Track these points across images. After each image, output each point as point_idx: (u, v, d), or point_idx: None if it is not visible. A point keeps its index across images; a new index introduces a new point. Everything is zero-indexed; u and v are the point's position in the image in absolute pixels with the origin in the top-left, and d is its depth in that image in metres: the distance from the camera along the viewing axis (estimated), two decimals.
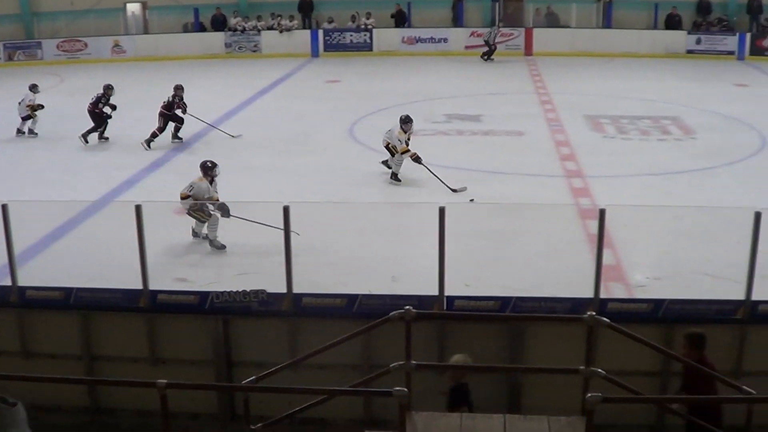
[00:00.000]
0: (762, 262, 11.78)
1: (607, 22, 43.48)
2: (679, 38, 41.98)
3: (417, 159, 19.39)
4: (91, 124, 24.15)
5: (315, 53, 41.92)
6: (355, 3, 42.63)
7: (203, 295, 12.34)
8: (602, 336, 10.88)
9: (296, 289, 12.12)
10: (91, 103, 24.17)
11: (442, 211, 11.34)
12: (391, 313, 9.44)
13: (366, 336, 11.33)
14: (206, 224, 15.65)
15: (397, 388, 8.06)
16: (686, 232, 15.81)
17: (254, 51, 42.01)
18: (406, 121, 19.82)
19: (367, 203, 15.75)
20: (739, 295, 11.92)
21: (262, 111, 26.40)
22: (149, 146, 23.60)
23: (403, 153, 19.44)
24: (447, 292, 11.78)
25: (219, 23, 42.67)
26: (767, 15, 42.82)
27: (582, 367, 9.44)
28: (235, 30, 42.14)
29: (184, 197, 15.54)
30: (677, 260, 15.08)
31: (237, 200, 15.77)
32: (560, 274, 13.96)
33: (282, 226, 11.97)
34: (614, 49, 40.73)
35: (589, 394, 8.02)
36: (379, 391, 9.27)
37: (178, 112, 24.03)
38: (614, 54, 40.40)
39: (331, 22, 42.48)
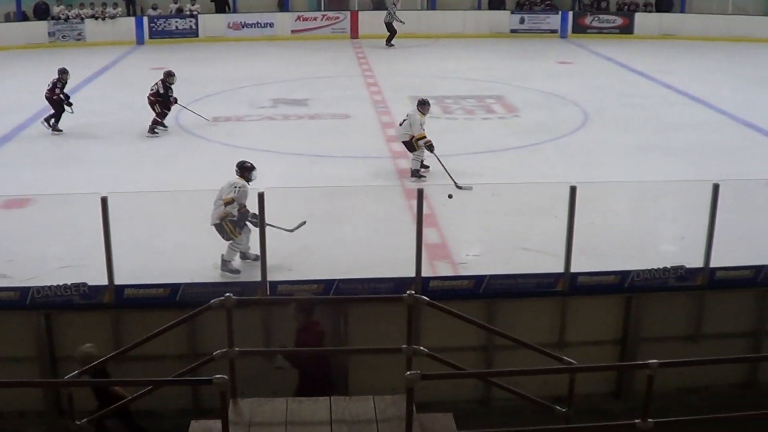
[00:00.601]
0: (579, 234, 12.09)
1: (431, 4, 43.86)
2: (503, 18, 42.80)
3: (430, 147, 18.38)
4: (52, 111, 23.41)
5: (140, 41, 41.04)
6: None
7: (24, 291, 12.00)
8: (424, 314, 11.02)
9: (118, 281, 11.90)
10: (48, 90, 23.27)
11: (261, 196, 11.28)
12: (211, 301, 9.35)
13: (190, 325, 11.23)
14: (231, 242, 13.83)
15: (218, 376, 7.98)
16: (508, 208, 16.10)
17: (78, 40, 40.92)
18: (423, 103, 18.97)
19: (191, 191, 15.54)
20: (559, 268, 12.19)
21: (88, 101, 25.81)
22: (156, 132, 23.18)
23: (419, 139, 18.35)
24: (270, 278, 11.73)
25: (42, 12, 41.48)
26: None
27: (404, 346, 9.52)
28: (59, 19, 41.02)
29: (228, 202, 13.60)
30: (499, 236, 15.35)
31: (65, 192, 15.43)
32: (386, 255, 14.05)
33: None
34: (439, 30, 41.17)
35: (408, 372, 8.09)
36: (200, 379, 9.18)
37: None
38: (440, 35, 40.83)
39: (155, 8, 41.74)
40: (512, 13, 43.13)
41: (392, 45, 39.46)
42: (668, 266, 12.52)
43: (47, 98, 23.37)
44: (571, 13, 43.32)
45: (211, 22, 41.53)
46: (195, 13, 41.44)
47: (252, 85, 29.75)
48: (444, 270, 13.88)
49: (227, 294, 9.27)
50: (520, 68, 33.27)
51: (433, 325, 11.46)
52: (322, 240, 14.93)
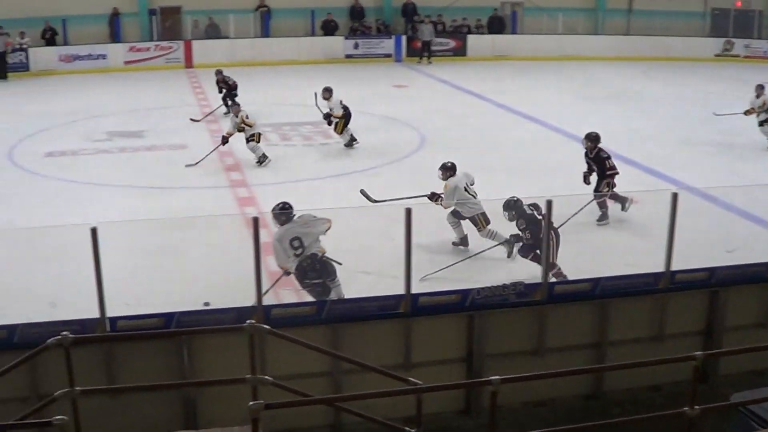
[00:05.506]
0: (417, 258, 12.23)
1: (265, 31, 43.80)
2: (337, 44, 43.14)
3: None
4: None
5: None
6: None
7: None
8: (269, 343, 10.96)
9: None
10: None
11: (94, 231, 11.05)
12: (48, 341, 9.12)
13: (30, 366, 10.93)
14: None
15: (58, 417, 7.81)
16: (344, 232, 16.08)
17: None
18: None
19: (22, 228, 15.20)
20: (399, 290, 12.26)
21: None
22: None
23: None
24: (110, 314, 11.48)
25: None
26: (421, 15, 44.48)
27: (248, 376, 9.45)
28: None
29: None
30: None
31: None
32: (228, 285, 13.92)
33: None
34: (275, 58, 41.14)
35: (251, 402, 8.03)
36: (41, 421, 8.93)
37: None
38: (274, 62, 40.79)
39: None
40: (346, 38, 43.50)
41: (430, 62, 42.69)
42: (507, 283, 12.71)
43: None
44: (404, 37, 43.86)
45: (42, 55, 40.25)
46: (25, 46, 40.23)
47: (86, 118, 29.11)
48: (289, 297, 13.81)
49: (64, 333, 9.05)
50: (356, 93, 33.27)
51: (278, 353, 11.38)
52: (162, 273, 14.75)
